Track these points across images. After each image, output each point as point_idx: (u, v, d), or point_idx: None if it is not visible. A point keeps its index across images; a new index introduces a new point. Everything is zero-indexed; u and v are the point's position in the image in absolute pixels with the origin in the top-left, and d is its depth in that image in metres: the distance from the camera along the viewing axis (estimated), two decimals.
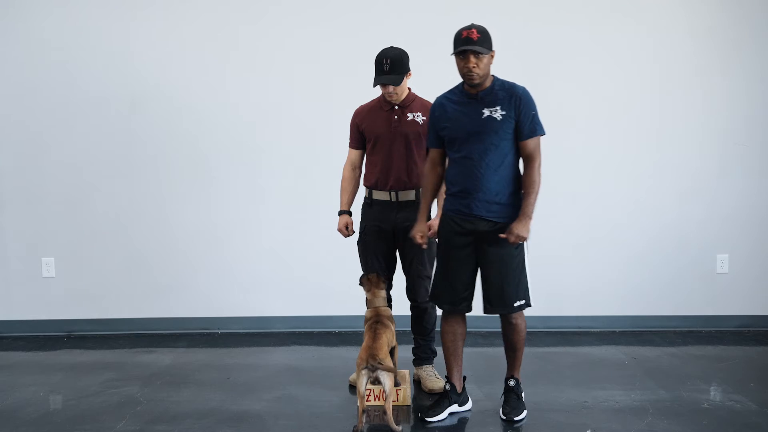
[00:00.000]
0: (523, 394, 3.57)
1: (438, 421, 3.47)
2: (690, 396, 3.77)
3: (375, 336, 3.46)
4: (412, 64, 3.71)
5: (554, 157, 4.76)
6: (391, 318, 3.66)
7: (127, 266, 4.94)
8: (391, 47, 3.68)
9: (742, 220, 4.99)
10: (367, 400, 3.52)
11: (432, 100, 3.79)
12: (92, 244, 4.92)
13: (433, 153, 3.51)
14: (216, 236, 4.94)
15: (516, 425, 3.44)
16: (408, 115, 3.72)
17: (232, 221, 4.94)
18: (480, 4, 4.69)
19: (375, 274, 3.72)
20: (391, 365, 3.38)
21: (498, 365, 4.02)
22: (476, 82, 3.27)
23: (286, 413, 3.57)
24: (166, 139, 4.87)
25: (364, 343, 3.47)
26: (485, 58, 3.24)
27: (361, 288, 3.80)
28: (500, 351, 4.35)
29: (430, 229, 3.68)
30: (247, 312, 4.98)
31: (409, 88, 3.78)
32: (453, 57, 3.30)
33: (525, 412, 3.51)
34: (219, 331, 4.98)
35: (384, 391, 3.34)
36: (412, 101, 3.76)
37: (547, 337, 4.83)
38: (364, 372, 3.33)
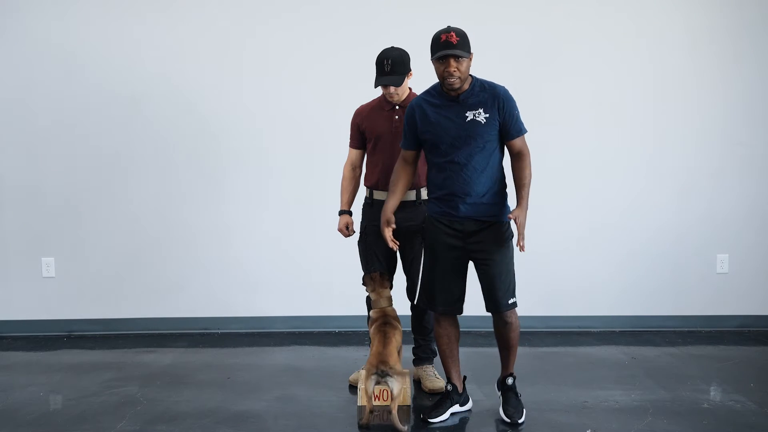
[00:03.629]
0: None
1: (440, 421, 3.46)
2: (690, 396, 3.77)
3: (386, 341, 3.44)
4: (413, 65, 3.70)
5: (554, 157, 4.78)
6: (397, 318, 3.65)
7: (127, 266, 4.94)
8: (392, 47, 3.67)
9: (742, 220, 4.99)
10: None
11: None
12: (92, 244, 4.91)
13: (407, 154, 3.46)
14: (216, 236, 4.94)
15: (518, 427, 3.43)
16: None
17: (232, 221, 4.94)
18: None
19: (378, 273, 3.70)
20: (403, 371, 3.38)
21: (498, 365, 4.01)
22: (456, 86, 3.24)
23: (286, 413, 3.57)
24: (167, 139, 4.87)
25: (374, 348, 3.45)
26: (465, 62, 3.21)
27: (363, 288, 3.79)
28: None
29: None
30: (247, 312, 4.98)
31: (409, 88, 3.77)
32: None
33: (524, 411, 3.51)
34: (219, 331, 4.98)
35: (391, 393, 3.34)
36: None
37: (547, 337, 4.84)
38: (373, 377, 3.32)
